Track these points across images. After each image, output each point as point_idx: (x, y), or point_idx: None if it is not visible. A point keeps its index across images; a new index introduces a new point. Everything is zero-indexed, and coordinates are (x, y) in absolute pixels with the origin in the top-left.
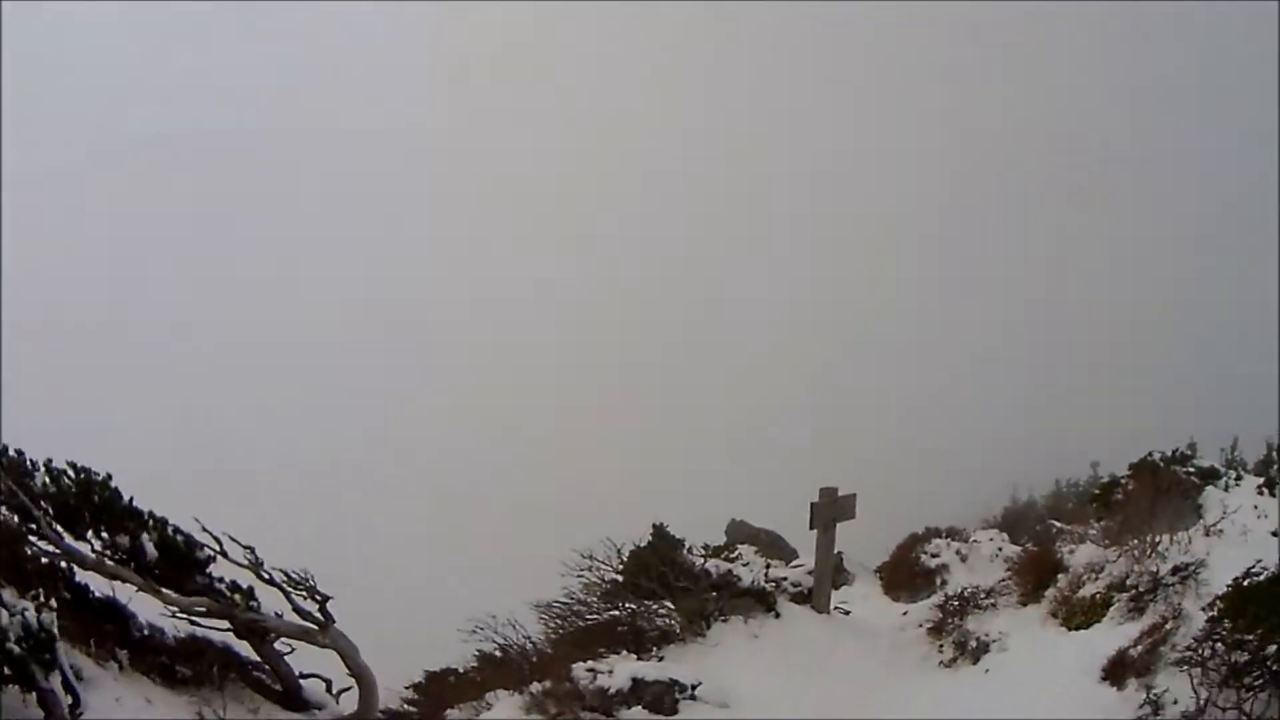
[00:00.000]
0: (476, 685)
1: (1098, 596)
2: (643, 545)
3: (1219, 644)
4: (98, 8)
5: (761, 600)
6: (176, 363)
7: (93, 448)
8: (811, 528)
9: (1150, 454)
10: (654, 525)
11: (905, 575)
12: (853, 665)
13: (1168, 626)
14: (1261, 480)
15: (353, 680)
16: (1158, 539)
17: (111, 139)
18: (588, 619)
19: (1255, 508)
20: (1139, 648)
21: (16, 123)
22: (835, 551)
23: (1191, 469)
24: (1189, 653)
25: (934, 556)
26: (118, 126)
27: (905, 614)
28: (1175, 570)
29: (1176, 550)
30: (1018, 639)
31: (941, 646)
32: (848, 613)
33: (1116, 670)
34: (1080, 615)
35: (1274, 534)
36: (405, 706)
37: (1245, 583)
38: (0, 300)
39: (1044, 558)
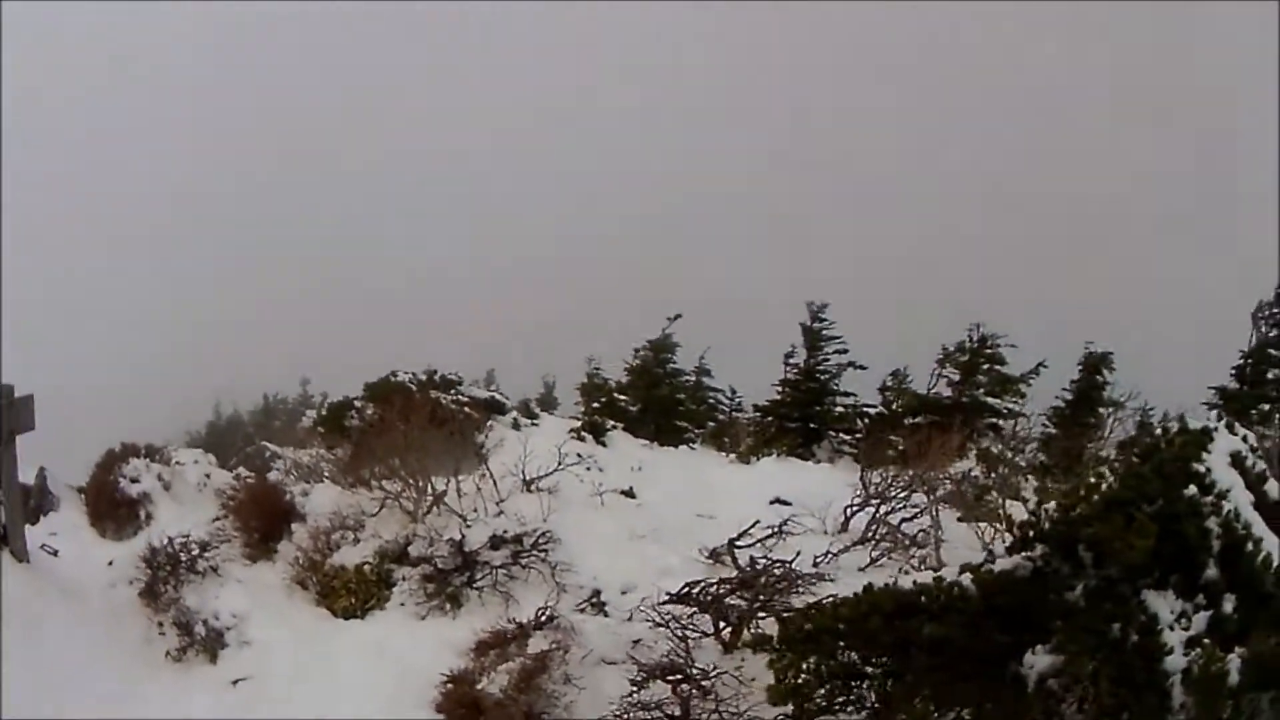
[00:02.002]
0: None
1: (367, 568)
2: None
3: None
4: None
5: None
6: None
7: None
8: None
9: (395, 373)
10: None
11: (108, 504)
12: (66, 647)
13: (541, 641)
14: (581, 424)
15: None
16: (440, 487)
17: None
18: None
19: (589, 457)
20: (497, 675)
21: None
22: (40, 469)
23: (463, 397)
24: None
25: (134, 482)
26: None
27: (111, 563)
28: (497, 542)
29: (483, 509)
30: (264, 627)
31: (162, 625)
32: (55, 552)
33: (466, 712)
34: (347, 595)
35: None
36: None
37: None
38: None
39: (269, 497)
